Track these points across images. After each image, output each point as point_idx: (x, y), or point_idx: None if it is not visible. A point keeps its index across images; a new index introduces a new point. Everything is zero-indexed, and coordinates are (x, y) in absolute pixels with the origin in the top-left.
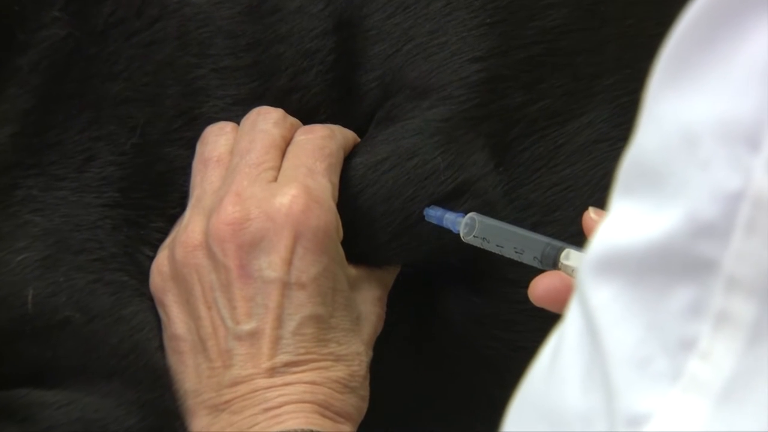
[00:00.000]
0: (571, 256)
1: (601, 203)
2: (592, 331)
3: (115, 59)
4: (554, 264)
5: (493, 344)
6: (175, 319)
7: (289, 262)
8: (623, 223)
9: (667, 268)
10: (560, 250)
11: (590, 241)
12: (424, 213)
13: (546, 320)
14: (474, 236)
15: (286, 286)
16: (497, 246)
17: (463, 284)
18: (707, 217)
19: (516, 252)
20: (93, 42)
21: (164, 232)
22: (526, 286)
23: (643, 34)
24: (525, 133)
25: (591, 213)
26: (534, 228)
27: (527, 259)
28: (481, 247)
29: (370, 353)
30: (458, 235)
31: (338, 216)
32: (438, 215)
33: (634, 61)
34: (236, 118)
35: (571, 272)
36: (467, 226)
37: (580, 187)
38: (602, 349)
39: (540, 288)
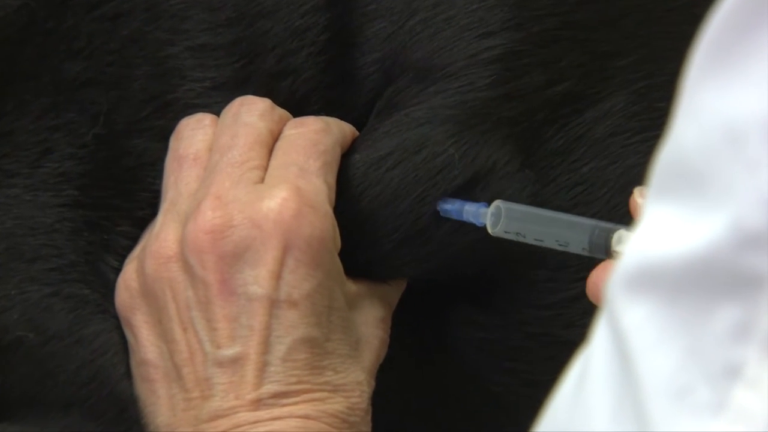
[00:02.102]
0: (624, 239)
1: (621, 207)
2: (623, 356)
3: (74, 34)
4: (606, 251)
5: (503, 379)
6: (145, 342)
7: (278, 277)
8: (659, 231)
9: (709, 284)
10: (610, 233)
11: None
12: (439, 207)
13: (560, 347)
14: (506, 229)
15: (274, 304)
16: (535, 240)
17: (470, 301)
18: (755, 225)
19: (559, 244)
20: (50, 14)
21: (131, 239)
22: (540, 306)
23: (661, 7)
24: (549, 119)
25: (636, 195)
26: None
27: (575, 249)
28: (516, 240)
29: (373, 383)
30: (473, 237)
31: (335, 222)
32: (456, 209)
33: (650, 39)
34: (215, 105)
35: None
36: (494, 216)
37: (598, 188)
38: (635, 377)
39: (596, 284)
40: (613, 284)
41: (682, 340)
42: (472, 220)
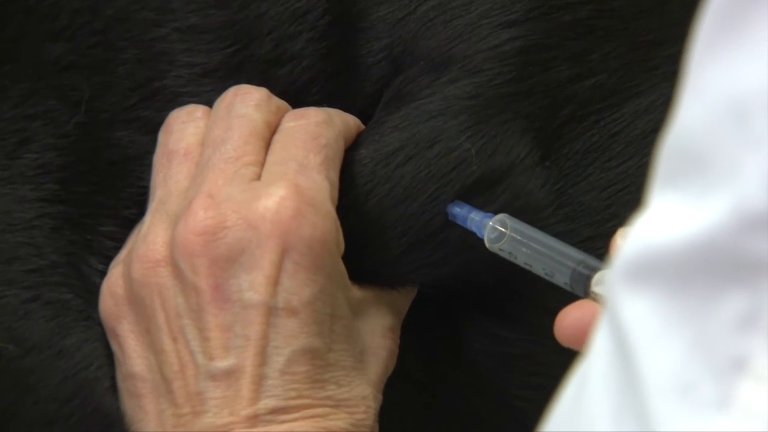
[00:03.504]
0: (605, 281)
1: None
2: (624, 352)
3: (56, 13)
4: (585, 290)
5: (526, 394)
6: (132, 354)
7: (275, 282)
8: (662, 218)
9: (712, 271)
10: (593, 272)
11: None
12: (448, 210)
13: None
14: (500, 247)
15: (271, 311)
16: (525, 264)
17: (490, 312)
18: (759, 206)
19: (545, 273)
20: None
21: (117, 240)
22: None
23: None
24: (576, 116)
25: (618, 236)
26: (586, 244)
27: (559, 281)
28: (509, 259)
29: (380, 397)
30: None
31: (338, 223)
32: (463, 214)
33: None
34: (205, 93)
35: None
36: (494, 231)
37: (637, 189)
38: (637, 374)
39: (565, 323)
40: (613, 277)
41: (685, 332)
42: (473, 229)
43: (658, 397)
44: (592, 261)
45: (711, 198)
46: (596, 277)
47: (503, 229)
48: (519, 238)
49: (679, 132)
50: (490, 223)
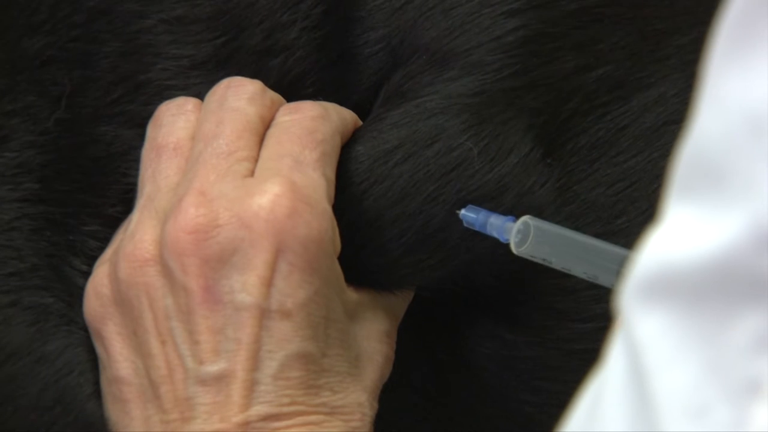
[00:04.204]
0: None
1: None
2: (638, 372)
3: (35, 6)
4: None
5: (533, 399)
6: (118, 357)
7: (269, 283)
8: (675, 234)
9: (728, 290)
10: None
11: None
12: (461, 215)
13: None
14: (531, 252)
15: (264, 314)
16: (563, 267)
17: (495, 315)
18: None
19: (587, 276)
20: None
21: (101, 239)
22: (579, 319)
23: None
24: (581, 109)
25: None
26: None
27: (605, 282)
28: (543, 263)
29: (375, 405)
30: (493, 242)
31: (335, 222)
32: (480, 219)
33: (709, 13)
34: (193, 87)
35: None
36: (520, 233)
37: (647, 184)
38: (651, 396)
39: None
40: (628, 293)
41: (699, 354)
42: (496, 234)
43: (671, 420)
44: None
45: (727, 214)
46: None
47: (527, 230)
48: (549, 240)
49: (696, 143)
50: (516, 226)
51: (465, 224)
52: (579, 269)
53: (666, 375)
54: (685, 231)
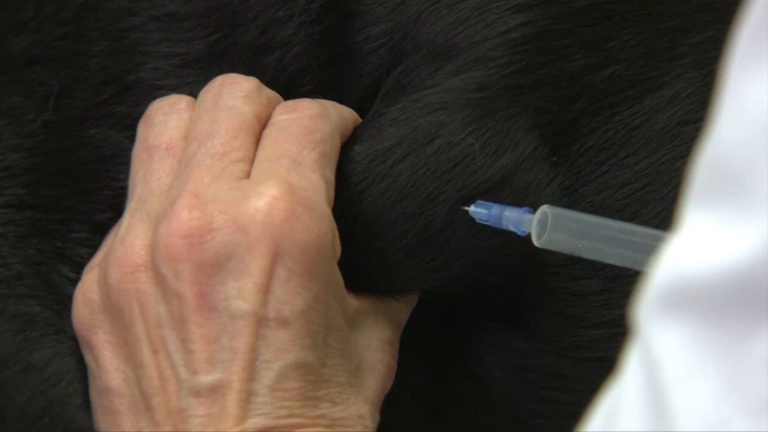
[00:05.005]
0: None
1: None
2: (656, 388)
3: (20, 2)
4: None
5: (543, 410)
6: (108, 367)
7: (266, 290)
8: (696, 243)
9: (748, 303)
10: None
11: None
12: (471, 212)
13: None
14: (557, 243)
15: (261, 322)
16: (595, 257)
17: (502, 321)
18: None
19: (622, 263)
20: None
21: (90, 246)
22: (590, 325)
23: None
24: (590, 110)
25: None
26: None
27: (639, 265)
28: (570, 254)
29: (377, 416)
30: (498, 242)
31: (334, 225)
32: (494, 214)
33: (727, 10)
34: (186, 86)
35: None
36: (541, 224)
37: (661, 187)
38: (668, 410)
39: None
40: (645, 304)
41: (718, 369)
42: (512, 228)
43: None
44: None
45: (747, 222)
46: None
47: (546, 220)
48: (573, 227)
49: (715, 148)
50: (536, 217)
51: (477, 221)
52: (612, 254)
53: (684, 389)
54: (704, 240)
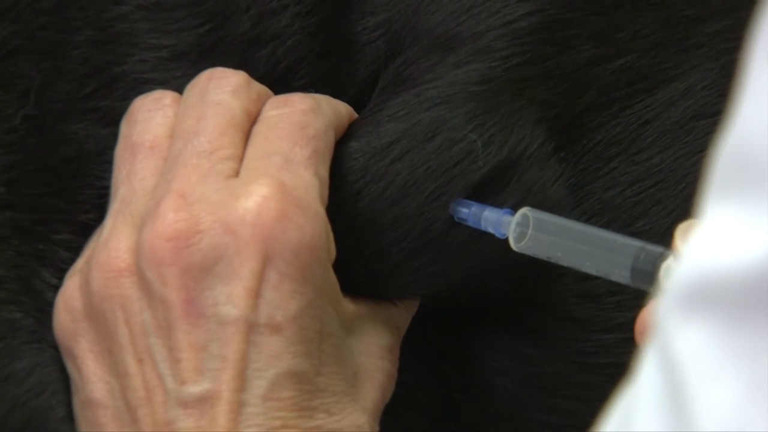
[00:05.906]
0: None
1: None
2: (676, 390)
3: None
4: (652, 283)
5: (551, 419)
6: (92, 377)
7: (256, 294)
8: (718, 239)
9: None
10: (659, 261)
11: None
12: (452, 210)
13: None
14: (533, 248)
15: (252, 328)
16: (570, 263)
17: (507, 326)
18: None
19: (596, 271)
20: None
21: (73, 249)
22: (601, 329)
23: None
24: (598, 103)
25: (678, 236)
26: None
27: (618, 277)
28: (545, 259)
29: (376, 427)
30: (502, 245)
31: (329, 226)
32: (474, 213)
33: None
34: (174, 80)
35: None
36: (519, 227)
37: (674, 184)
38: (691, 414)
39: (642, 328)
40: (666, 303)
41: (743, 371)
42: (491, 229)
43: None
44: (652, 248)
45: None
46: (664, 266)
47: (526, 223)
48: (553, 233)
49: (737, 139)
50: (514, 219)
51: (456, 220)
52: (589, 265)
53: (707, 392)
54: (726, 235)
